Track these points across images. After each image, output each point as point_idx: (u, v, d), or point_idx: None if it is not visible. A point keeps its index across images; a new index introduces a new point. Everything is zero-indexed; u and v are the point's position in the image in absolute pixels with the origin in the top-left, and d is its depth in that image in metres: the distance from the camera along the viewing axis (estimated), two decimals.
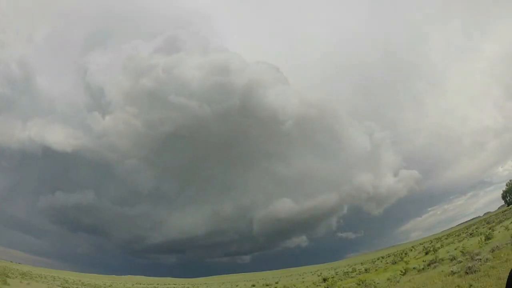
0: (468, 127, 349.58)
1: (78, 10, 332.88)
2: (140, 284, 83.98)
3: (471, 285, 12.07)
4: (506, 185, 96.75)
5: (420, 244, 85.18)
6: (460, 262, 17.61)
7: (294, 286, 43.76)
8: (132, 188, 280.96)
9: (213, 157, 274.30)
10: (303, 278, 63.00)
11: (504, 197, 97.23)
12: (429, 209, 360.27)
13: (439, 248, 37.76)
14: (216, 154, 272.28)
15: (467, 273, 14.14)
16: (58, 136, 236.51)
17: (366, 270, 41.90)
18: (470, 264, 14.94)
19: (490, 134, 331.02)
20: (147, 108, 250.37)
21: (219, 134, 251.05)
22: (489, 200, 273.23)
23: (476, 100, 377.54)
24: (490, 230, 32.39)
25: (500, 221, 42.72)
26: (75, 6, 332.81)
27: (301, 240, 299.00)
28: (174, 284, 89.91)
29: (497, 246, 18.32)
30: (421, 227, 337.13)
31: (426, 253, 37.15)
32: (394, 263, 40.79)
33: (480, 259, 15.78)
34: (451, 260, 20.26)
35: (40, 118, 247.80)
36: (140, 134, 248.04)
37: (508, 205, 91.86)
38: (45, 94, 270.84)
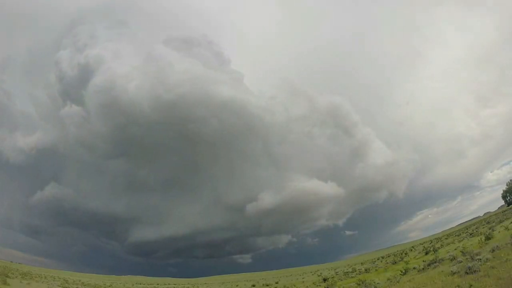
0: (436, 135, 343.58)
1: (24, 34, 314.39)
2: (140, 284, 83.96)
3: (471, 285, 12.07)
4: (507, 185, 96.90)
5: (420, 244, 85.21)
6: (460, 262, 17.61)
7: (294, 286, 43.75)
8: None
9: None
10: (303, 278, 62.99)
11: (504, 197, 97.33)
12: (418, 213, 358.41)
13: (439, 248, 37.80)
14: None
15: (467, 273, 14.15)
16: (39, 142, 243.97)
17: (366, 270, 41.91)
18: (470, 264, 14.94)
19: (466, 141, 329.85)
20: None
21: None
22: (482, 203, 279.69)
23: (440, 108, 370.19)
24: (490, 230, 32.43)
25: (500, 221, 42.75)
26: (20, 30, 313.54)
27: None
28: (174, 284, 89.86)
29: (497, 246, 18.34)
30: (413, 229, 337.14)
31: (426, 253, 37.20)
32: (394, 263, 40.80)
33: (480, 259, 15.79)
34: (451, 260, 20.27)
35: (21, 130, 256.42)
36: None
37: (508, 205, 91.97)
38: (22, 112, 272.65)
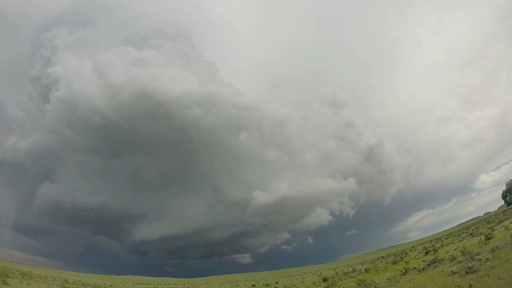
0: (420, 138, 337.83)
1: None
2: (140, 284, 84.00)
3: (471, 285, 12.07)
4: (506, 185, 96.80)
5: (420, 244, 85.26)
6: (460, 262, 17.61)
7: (294, 286, 43.71)
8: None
9: None
10: (303, 278, 62.96)
11: (504, 197, 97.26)
12: (416, 213, 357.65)
13: (439, 248, 37.84)
14: None
15: (467, 273, 14.15)
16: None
17: (366, 270, 41.92)
18: (470, 264, 14.94)
19: (455, 144, 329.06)
20: None
21: None
22: (480, 204, 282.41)
23: (421, 111, 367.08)
24: (490, 230, 32.42)
25: (500, 221, 42.73)
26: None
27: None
28: (174, 284, 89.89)
29: (497, 246, 18.32)
30: (412, 229, 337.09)
31: (426, 253, 37.25)
32: (394, 263, 40.85)
33: (480, 259, 15.78)
34: (451, 260, 20.27)
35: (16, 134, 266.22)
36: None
37: (508, 205, 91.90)
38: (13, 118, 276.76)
